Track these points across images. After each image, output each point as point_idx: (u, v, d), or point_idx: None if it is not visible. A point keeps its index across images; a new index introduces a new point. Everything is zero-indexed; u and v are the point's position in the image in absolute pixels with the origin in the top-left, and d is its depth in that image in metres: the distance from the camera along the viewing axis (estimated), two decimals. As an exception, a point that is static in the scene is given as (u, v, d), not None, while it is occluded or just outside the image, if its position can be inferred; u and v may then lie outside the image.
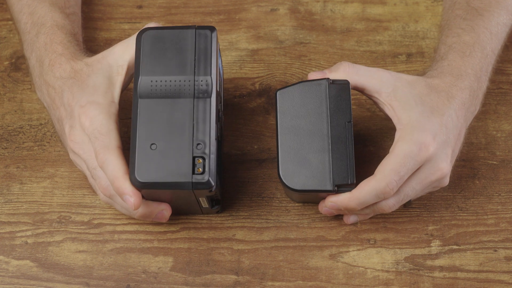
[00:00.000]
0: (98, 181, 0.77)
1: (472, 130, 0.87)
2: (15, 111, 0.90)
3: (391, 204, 0.77)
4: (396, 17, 0.97)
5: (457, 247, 0.80)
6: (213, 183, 0.73)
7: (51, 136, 0.88)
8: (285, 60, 0.94)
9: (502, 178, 0.84)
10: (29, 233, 0.82)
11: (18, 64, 0.94)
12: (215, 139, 0.75)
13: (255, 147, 0.87)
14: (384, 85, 0.78)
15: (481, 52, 0.82)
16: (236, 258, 0.80)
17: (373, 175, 0.75)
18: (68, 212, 0.83)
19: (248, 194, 0.84)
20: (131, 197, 0.74)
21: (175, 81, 0.76)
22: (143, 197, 0.75)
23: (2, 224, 0.82)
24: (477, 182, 0.84)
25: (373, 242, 0.80)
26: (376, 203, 0.77)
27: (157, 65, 0.76)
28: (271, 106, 0.90)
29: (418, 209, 0.82)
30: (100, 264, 0.80)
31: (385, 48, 0.94)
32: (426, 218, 0.82)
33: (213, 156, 0.73)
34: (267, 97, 0.91)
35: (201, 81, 0.76)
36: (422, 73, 0.82)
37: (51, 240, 0.81)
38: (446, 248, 0.80)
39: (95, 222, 0.82)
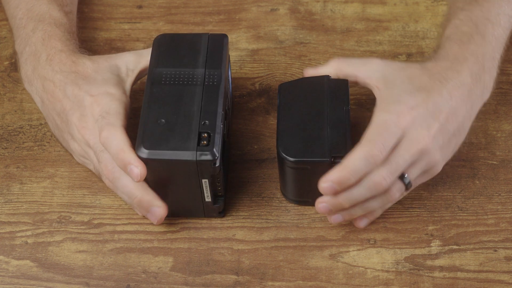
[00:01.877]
0: (103, 163, 0.77)
1: (472, 130, 0.87)
2: (15, 111, 0.91)
3: (384, 174, 0.74)
4: (396, 17, 0.97)
5: (457, 247, 0.80)
6: (217, 154, 0.74)
7: (51, 136, 0.88)
8: (285, 60, 0.94)
9: (502, 178, 0.84)
10: (29, 233, 0.82)
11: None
12: (221, 130, 0.77)
13: (255, 147, 0.87)
14: (374, 71, 0.79)
15: (482, 39, 0.81)
16: (236, 258, 0.80)
17: (358, 143, 0.75)
18: (68, 212, 0.83)
19: (248, 194, 0.84)
20: (136, 167, 0.74)
21: (186, 73, 0.79)
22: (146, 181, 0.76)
23: (2, 224, 0.82)
24: (477, 182, 0.84)
25: (373, 242, 0.80)
26: (368, 177, 0.74)
27: (170, 61, 0.80)
28: (271, 106, 0.90)
29: (418, 209, 0.82)
30: (100, 264, 0.80)
31: (385, 48, 0.94)
32: (426, 218, 0.82)
33: (218, 135, 0.75)
34: (267, 97, 0.91)
35: (211, 73, 0.79)
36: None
37: (51, 240, 0.81)
38: (446, 248, 0.80)
39: (95, 222, 0.82)
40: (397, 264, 0.79)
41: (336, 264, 0.79)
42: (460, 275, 0.78)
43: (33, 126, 0.89)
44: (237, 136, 0.88)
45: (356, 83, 0.81)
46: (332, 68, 0.82)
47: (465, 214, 0.82)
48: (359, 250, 0.80)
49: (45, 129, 0.89)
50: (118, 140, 0.75)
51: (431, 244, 0.80)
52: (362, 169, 0.74)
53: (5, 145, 0.88)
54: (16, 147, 0.88)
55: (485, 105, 0.89)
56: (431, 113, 0.76)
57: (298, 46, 0.95)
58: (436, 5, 0.98)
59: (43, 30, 0.85)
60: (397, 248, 0.80)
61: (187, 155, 0.74)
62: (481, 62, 0.80)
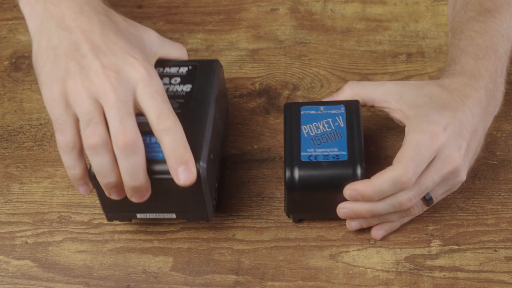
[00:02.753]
0: (125, 127, 0.69)
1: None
2: (15, 111, 0.91)
3: (410, 196, 0.75)
4: (396, 17, 0.97)
5: (457, 247, 0.80)
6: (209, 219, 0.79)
7: (51, 136, 0.88)
8: (285, 60, 0.94)
9: (502, 178, 0.84)
10: (29, 233, 0.82)
11: (18, 64, 0.94)
12: None
13: (255, 147, 0.87)
14: (391, 94, 0.79)
15: (495, 54, 0.81)
16: (236, 258, 0.80)
17: (391, 165, 0.75)
18: (68, 212, 0.83)
19: (248, 194, 0.84)
20: (191, 171, 0.71)
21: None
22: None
23: (2, 224, 0.82)
24: (477, 182, 0.84)
25: (373, 242, 0.80)
26: (394, 196, 0.75)
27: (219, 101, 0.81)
28: (271, 106, 0.90)
29: (418, 209, 0.82)
30: (100, 264, 0.80)
31: (385, 48, 0.94)
32: (426, 218, 0.82)
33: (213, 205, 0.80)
34: (267, 97, 0.91)
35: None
36: (434, 78, 0.82)
37: (51, 240, 0.81)
38: (446, 248, 0.80)
39: (95, 222, 0.82)
40: (397, 264, 0.79)
41: (336, 264, 0.79)
42: (460, 275, 0.78)
43: (33, 126, 0.89)
44: (237, 136, 0.88)
45: (372, 107, 0.80)
46: (348, 94, 0.80)
47: (465, 214, 0.82)
48: (359, 250, 0.80)
49: (45, 129, 0.89)
50: (182, 134, 0.72)
51: (431, 244, 0.80)
52: (388, 192, 0.75)
53: (5, 145, 0.88)
54: (16, 147, 0.88)
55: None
56: (459, 132, 0.76)
57: (298, 46, 0.95)
58: (436, 5, 0.98)
59: None
60: (397, 248, 0.80)
61: (206, 207, 0.76)
62: (494, 78, 0.80)
